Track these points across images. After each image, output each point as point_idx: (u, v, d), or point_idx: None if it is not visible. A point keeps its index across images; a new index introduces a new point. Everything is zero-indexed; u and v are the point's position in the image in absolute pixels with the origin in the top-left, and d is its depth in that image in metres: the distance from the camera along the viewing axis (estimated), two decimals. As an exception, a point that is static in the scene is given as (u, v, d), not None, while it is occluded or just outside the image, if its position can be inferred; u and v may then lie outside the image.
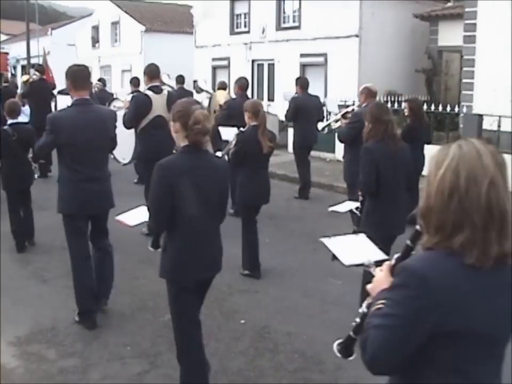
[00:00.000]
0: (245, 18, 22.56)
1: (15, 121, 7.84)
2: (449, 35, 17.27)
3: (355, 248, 3.12)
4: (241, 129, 6.71)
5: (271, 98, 21.51)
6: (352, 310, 5.72)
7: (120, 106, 9.50)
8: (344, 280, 6.52)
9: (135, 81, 12.70)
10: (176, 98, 11.80)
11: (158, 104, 7.85)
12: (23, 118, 9.78)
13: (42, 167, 10.09)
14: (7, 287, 6.53)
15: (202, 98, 14.21)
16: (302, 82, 10.92)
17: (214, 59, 24.14)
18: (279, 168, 13.27)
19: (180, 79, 13.90)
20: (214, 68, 24.37)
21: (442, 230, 1.86)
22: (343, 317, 5.55)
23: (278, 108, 18.70)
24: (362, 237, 3.26)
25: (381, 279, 2.10)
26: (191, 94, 14.53)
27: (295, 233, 8.65)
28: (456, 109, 12.74)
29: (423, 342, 1.84)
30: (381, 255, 2.93)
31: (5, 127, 7.79)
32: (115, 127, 5.69)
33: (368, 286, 2.15)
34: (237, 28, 23.00)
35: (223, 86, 12.09)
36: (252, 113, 6.42)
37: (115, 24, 32.25)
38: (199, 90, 14.14)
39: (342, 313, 5.63)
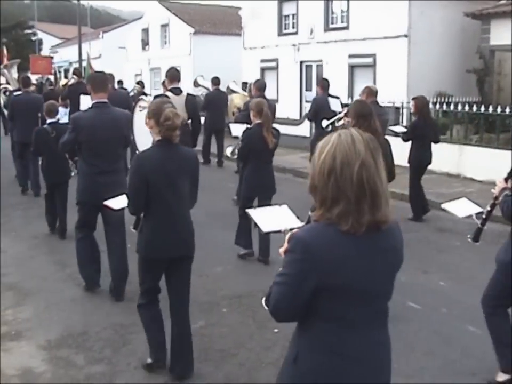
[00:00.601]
0: (293, 19, 22.33)
1: (53, 120, 8.48)
2: (502, 34, 16.62)
3: (276, 217, 3.32)
4: (248, 126, 7.22)
5: (319, 100, 21.22)
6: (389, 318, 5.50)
7: (145, 106, 9.92)
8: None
9: (142, 84, 13.61)
10: (212, 98, 11.93)
11: (177, 104, 8.27)
12: (65, 118, 10.13)
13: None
14: (42, 289, 6.56)
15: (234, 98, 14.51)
16: (322, 83, 11.43)
17: (262, 60, 23.99)
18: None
19: (215, 81, 14.41)
20: (263, 70, 24.21)
21: (324, 204, 2.23)
22: (380, 328, 5.35)
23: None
24: (284, 207, 3.46)
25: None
26: (225, 94, 14.68)
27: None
28: (508, 110, 12.23)
29: (311, 296, 2.24)
30: (298, 224, 3.08)
31: (45, 126, 8.53)
32: (129, 127, 6.41)
33: (280, 250, 2.43)
34: (285, 29, 22.80)
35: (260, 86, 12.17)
36: (256, 112, 6.90)
37: (164, 26, 32.46)
38: (230, 92, 14.38)
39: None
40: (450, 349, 4.91)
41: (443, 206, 5.53)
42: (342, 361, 2.31)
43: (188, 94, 9.02)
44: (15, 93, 12.62)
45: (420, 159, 9.33)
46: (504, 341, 4.32)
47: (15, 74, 17.43)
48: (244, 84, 24.98)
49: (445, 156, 12.11)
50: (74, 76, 13.68)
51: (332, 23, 20.48)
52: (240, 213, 7.39)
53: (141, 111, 8.84)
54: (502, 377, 4.34)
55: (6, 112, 13.59)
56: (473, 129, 14.16)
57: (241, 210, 7.22)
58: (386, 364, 2.45)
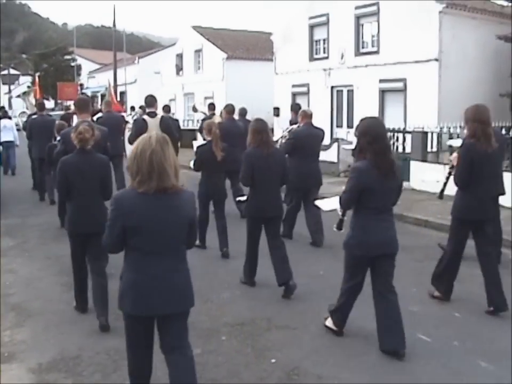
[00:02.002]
0: (324, 44, 22.26)
1: None
2: (536, 56, 16.24)
3: None
4: (202, 142, 8.87)
5: (350, 125, 20.94)
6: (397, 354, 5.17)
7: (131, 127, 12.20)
8: (395, 319, 5.94)
9: (166, 109, 15.50)
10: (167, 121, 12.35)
11: (152, 125, 10.21)
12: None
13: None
14: (44, 311, 6.44)
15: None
16: (294, 108, 12.40)
17: (293, 85, 23.92)
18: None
19: (211, 107, 15.64)
20: (294, 95, 24.12)
21: (132, 176, 3.62)
22: (384, 361, 5.01)
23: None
24: None
25: None
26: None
27: (353, 264, 8.09)
28: (540, 136, 11.79)
29: (121, 232, 3.64)
30: None
31: (55, 142, 10.07)
32: (106, 139, 7.98)
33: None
34: (316, 54, 22.72)
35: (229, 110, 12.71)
36: (207, 131, 8.46)
37: (198, 52, 32.69)
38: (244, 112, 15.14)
39: (384, 356, 5.06)
40: (458, 385, 4.55)
41: (315, 202, 6.97)
42: (145, 278, 3.71)
43: (162, 116, 11.07)
44: (32, 116, 14.79)
45: None
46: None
47: (32, 100, 19.45)
48: (276, 109, 24.90)
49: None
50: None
51: (363, 48, 20.32)
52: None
53: (129, 131, 11.79)
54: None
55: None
56: (506, 155, 13.68)
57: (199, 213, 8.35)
58: (183, 286, 3.85)
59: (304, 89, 23.34)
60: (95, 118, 13.14)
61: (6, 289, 7.18)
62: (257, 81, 28.17)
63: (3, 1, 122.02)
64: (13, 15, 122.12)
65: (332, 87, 21.97)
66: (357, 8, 20.01)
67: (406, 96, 18.45)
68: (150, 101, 10.91)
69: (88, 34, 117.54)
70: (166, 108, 15.89)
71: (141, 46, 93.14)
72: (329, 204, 6.07)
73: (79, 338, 5.62)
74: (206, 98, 31.83)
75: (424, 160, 13.13)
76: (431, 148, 14.06)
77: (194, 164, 8.65)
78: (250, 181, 6.84)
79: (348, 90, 21.31)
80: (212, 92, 31.18)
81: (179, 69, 35.02)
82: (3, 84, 74.89)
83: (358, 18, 20.19)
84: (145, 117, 10.60)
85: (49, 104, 34.11)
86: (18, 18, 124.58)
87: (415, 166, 13.78)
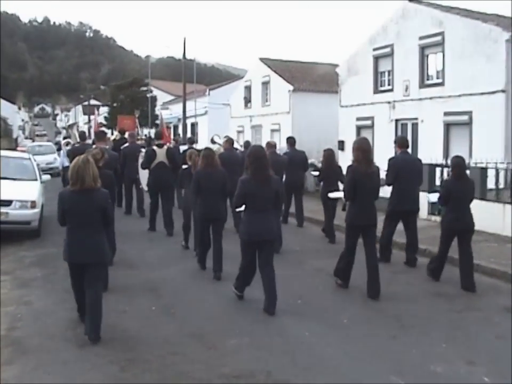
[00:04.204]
0: (388, 76, 21.56)
1: None
2: None
3: None
4: (184, 166, 10.88)
5: (414, 161, 20.01)
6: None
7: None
8: (410, 380, 5.20)
9: (190, 140, 17.32)
10: (172, 151, 14.01)
11: (160, 154, 12.74)
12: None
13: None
14: (41, 348, 6.13)
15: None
16: (290, 141, 14.14)
17: (358, 118, 23.24)
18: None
19: (231, 141, 15.62)
20: (358, 128, 23.42)
21: (69, 180, 6.28)
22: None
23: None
24: None
25: None
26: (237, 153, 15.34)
27: (380, 314, 7.32)
28: None
29: (64, 213, 6.29)
30: None
31: None
32: (116, 161, 11.30)
33: None
34: (381, 86, 22.03)
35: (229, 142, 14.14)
36: (188, 158, 10.51)
37: (265, 84, 32.51)
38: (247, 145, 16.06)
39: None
40: None
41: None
42: (74, 240, 6.25)
43: (168, 147, 13.17)
44: (75, 145, 17.15)
45: (325, 194, 12.18)
46: None
47: (76, 132, 21.64)
48: (340, 143, 24.23)
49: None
50: (118, 133, 19.02)
51: (427, 79, 19.50)
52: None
53: (141, 158, 13.82)
54: None
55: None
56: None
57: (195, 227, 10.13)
58: (95, 247, 6.27)
59: (368, 122, 22.64)
60: (122, 147, 15.53)
61: (15, 322, 6.94)
62: (324, 114, 27.67)
63: (91, 35, 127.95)
64: (99, 48, 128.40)
65: (396, 121, 21.18)
66: (421, 38, 19.27)
67: (471, 129, 17.47)
68: (158, 133, 14.16)
69: (168, 66, 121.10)
70: (190, 140, 17.14)
71: (220, 78, 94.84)
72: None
73: (62, 382, 5.23)
74: (272, 131, 31.50)
75: (482, 198, 12.13)
76: (497, 184, 12.95)
77: (178, 183, 11.18)
78: (197, 191, 9.03)
79: (413, 124, 20.47)
80: (278, 125, 30.87)
81: (247, 101, 34.89)
82: (84, 114, 78.11)
83: (422, 49, 19.40)
84: (155, 147, 12.93)
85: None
86: (104, 51, 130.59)
87: (473, 204, 12.79)
